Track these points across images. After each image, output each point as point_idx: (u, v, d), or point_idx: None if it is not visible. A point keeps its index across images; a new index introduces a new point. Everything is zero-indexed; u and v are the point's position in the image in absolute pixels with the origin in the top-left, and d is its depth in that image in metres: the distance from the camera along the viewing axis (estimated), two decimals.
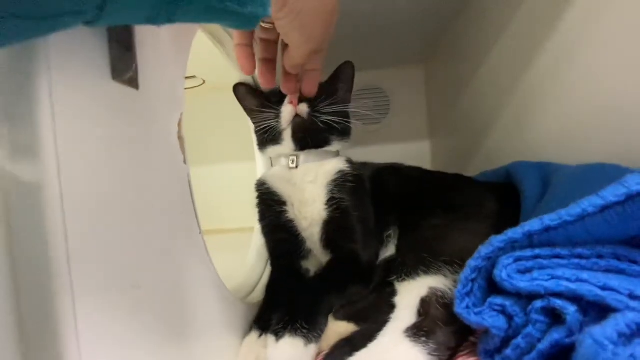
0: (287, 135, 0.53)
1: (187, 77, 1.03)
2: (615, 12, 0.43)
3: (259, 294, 0.53)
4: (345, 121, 0.56)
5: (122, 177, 0.25)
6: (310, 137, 0.53)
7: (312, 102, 0.52)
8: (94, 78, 0.22)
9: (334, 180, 0.52)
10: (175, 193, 0.30)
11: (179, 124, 0.30)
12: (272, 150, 0.56)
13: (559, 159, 0.52)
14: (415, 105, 1.23)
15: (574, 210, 0.30)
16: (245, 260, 0.65)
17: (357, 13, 0.82)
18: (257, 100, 0.57)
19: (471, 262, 0.32)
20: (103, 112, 0.23)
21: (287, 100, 0.51)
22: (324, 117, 0.51)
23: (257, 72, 0.43)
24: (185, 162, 0.31)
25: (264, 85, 0.45)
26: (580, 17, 0.49)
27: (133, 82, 0.25)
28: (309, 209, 0.52)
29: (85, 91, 0.22)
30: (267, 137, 0.55)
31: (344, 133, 0.57)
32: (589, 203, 0.29)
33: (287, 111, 0.51)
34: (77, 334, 0.20)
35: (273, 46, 0.42)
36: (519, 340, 0.29)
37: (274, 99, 0.54)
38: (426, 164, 0.74)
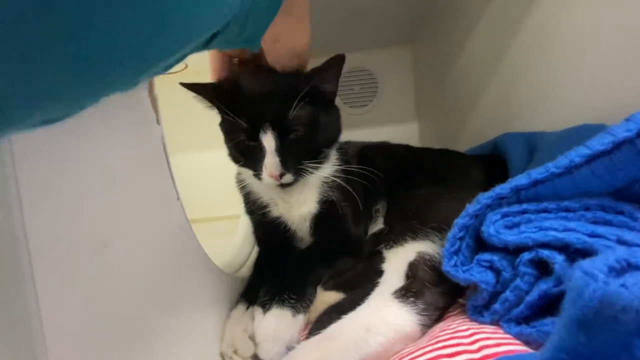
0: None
1: None
2: None
3: (247, 269, 0.52)
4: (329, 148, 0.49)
5: (89, 135, 0.23)
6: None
7: (293, 156, 0.44)
8: None
9: (325, 183, 0.50)
10: (148, 155, 0.29)
11: (151, 82, 0.29)
12: (249, 173, 0.47)
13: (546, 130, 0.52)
14: (403, 86, 1.22)
15: (561, 162, 0.29)
16: (234, 240, 0.63)
17: None
18: (221, 111, 0.45)
19: (459, 221, 0.32)
20: None
21: (266, 172, 0.43)
22: (310, 171, 0.46)
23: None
24: (158, 122, 0.29)
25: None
26: None
27: None
28: (298, 208, 0.50)
29: None
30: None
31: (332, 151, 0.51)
32: (576, 154, 0.29)
33: (269, 180, 0.44)
34: (36, 297, 0.18)
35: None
36: (507, 294, 0.28)
37: (243, 124, 0.42)
38: (415, 145, 0.74)
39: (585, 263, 0.18)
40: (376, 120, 1.22)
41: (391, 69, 1.21)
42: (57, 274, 0.19)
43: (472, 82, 0.81)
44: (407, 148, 0.66)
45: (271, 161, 0.42)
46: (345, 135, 0.61)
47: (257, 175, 0.45)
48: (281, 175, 0.43)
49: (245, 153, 0.45)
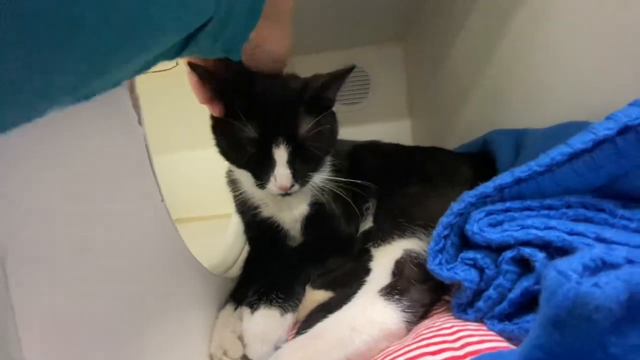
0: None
1: None
2: None
3: (238, 269, 0.52)
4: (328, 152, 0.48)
5: (68, 136, 0.23)
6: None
7: (302, 167, 0.43)
8: None
9: (317, 186, 0.48)
10: (130, 156, 0.28)
11: (132, 82, 0.28)
12: (248, 177, 0.45)
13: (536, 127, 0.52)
14: (395, 84, 1.22)
15: (543, 160, 0.29)
16: (225, 239, 0.63)
17: None
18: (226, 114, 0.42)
19: (443, 219, 0.32)
20: None
21: (277, 183, 0.41)
22: (312, 179, 0.45)
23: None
24: (140, 123, 0.29)
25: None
26: None
27: None
28: (289, 211, 0.50)
29: None
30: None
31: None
32: (558, 152, 0.29)
33: (276, 191, 0.42)
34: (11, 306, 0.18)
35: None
36: (490, 291, 0.29)
37: (254, 133, 0.40)
38: (407, 142, 0.74)
39: (560, 262, 0.18)
40: (369, 118, 1.22)
41: (384, 67, 1.21)
42: (33, 278, 0.19)
43: (463, 79, 0.81)
44: (397, 147, 0.66)
45: (283, 173, 0.41)
46: (339, 133, 0.61)
47: (262, 184, 0.42)
48: (291, 187, 0.42)
49: (250, 161, 0.43)
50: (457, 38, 0.80)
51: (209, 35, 0.24)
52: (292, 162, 0.41)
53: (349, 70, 0.44)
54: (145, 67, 0.20)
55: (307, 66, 0.88)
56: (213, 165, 0.56)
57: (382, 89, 1.22)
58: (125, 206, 0.27)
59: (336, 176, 0.49)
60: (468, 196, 0.32)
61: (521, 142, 0.50)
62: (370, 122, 1.22)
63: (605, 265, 0.19)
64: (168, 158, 1.06)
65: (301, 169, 0.42)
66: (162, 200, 0.31)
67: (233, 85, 0.40)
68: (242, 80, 0.40)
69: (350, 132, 0.69)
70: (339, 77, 0.43)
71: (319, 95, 0.42)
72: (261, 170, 0.42)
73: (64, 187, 0.22)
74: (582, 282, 0.17)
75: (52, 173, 0.22)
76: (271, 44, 0.35)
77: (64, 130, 0.23)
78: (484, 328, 0.29)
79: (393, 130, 1.22)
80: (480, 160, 0.55)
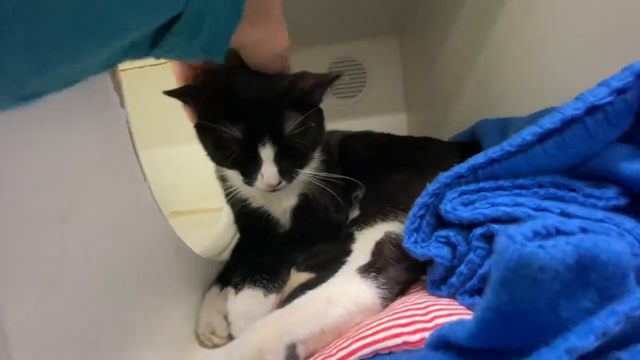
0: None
1: None
2: None
3: (229, 253, 0.53)
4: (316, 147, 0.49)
5: (50, 115, 0.24)
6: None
7: (289, 164, 0.43)
8: None
9: (306, 178, 0.49)
10: (111, 137, 0.29)
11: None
12: (236, 174, 0.45)
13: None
14: (392, 77, 1.22)
15: (514, 140, 0.30)
16: (217, 225, 0.64)
17: None
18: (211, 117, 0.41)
19: (419, 200, 0.33)
20: None
21: (264, 180, 0.42)
22: (299, 175, 0.46)
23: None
24: (122, 105, 0.30)
25: None
26: None
27: None
28: (278, 203, 0.51)
29: None
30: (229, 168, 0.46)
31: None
32: (528, 132, 0.29)
33: (264, 188, 0.43)
34: None
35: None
36: (462, 267, 0.29)
37: (238, 134, 0.40)
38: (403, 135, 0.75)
39: (511, 228, 0.19)
40: (365, 111, 1.22)
41: (380, 60, 1.21)
42: (8, 257, 0.19)
43: (459, 72, 0.81)
44: (388, 137, 0.67)
45: (270, 171, 0.41)
46: (335, 126, 0.61)
47: (250, 182, 0.43)
48: (278, 184, 0.43)
49: (237, 161, 0.43)
50: (453, 31, 0.80)
51: (182, 33, 0.23)
52: (278, 160, 0.42)
53: (337, 76, 0.45)
54: (107, 64, 0.19)
55: (304, 60, 0.89)
56: (206, 159, 0.57)
57: (378, 83, 1.23)
58: (105, 182, 0.28)
59: (325, 169, 0.50)
60: (443, 177, 0.32)
61: (506, 130, 0.51)
62: (366, 115, 1.22)
63: (559, 234, 0.20)
64: (161, 152, 1.07)
65: (288, 166, 0.43)
66: (144, 180, 0.32)
67: (211, 89, 0.40)
68: (221, 83, 0.40)
69: (346, 125, 0.70)
70: (327, 82, 0.44)
71: (306, 96, 0.43)
72: (248, 169, 0.43)
73: (44, 167, 0.23)
74: (527, 244, 0.17)
75: (32, 153, 0.22)
76: (271, 42, 0.34)
77: (44, 110, 0.24)
78: (455, 303, 0.30)
79: (389, 123, 1.23)
80: (469, 149, 0.55)
